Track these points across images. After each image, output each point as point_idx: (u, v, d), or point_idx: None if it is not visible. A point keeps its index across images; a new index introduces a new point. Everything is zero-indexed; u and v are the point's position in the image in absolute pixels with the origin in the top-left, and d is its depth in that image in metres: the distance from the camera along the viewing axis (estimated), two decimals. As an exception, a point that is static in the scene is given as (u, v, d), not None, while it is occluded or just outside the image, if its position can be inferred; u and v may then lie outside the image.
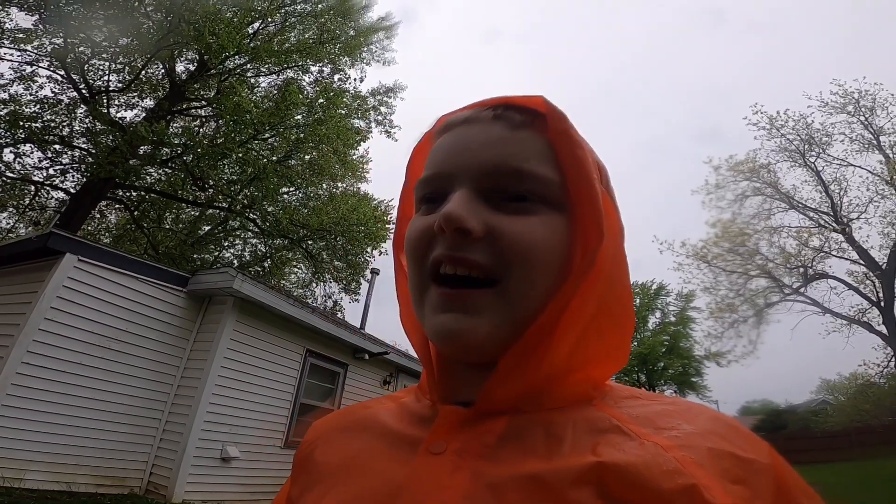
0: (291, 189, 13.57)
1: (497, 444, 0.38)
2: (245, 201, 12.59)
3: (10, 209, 11.94)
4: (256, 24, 12.95)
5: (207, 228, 14.75)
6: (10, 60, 10.41)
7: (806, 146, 14.46)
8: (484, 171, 0.41)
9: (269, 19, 12.95)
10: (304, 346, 7.47)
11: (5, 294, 5.65)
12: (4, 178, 10.49)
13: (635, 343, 26.51)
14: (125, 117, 12.47)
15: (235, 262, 14.66)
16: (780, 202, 15.13)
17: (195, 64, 12.91)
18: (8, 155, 10.34)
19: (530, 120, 0.43)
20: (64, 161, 11.03)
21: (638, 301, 27.48)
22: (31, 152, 10.69)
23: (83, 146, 11.17)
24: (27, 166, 10.68)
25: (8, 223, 11.83)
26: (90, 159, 10.67)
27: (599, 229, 0.40)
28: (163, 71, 12.75)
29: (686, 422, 0.37)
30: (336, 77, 14.45)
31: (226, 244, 15.13)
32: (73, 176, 11.30)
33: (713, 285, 16.09)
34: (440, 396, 0.45)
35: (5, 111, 9.98)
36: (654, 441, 0.35)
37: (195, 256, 13.73)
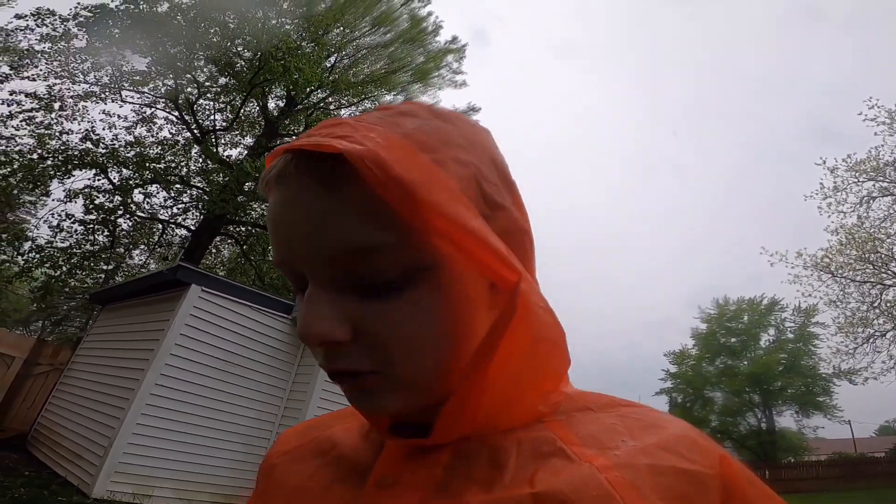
0: None
1: (443, 476, 0.36)
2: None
3: (142, 246, 13.60)
4: (332, 59, 13.79)
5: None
6: (132, 103, 11.81)
7: (938, 135, 12.61)
8: (322, 261, 0.34)
9: (343, 52, 13.76)
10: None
11: (143, 322, 6.43)
12: (136, 218, 11.89)
13: (745, 363, 24.59)
14: (231, 155, 13.83)
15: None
16: (915, 200, 13.23)
17: (284, 100, 13.90)
18: (138, 196, 11.76)
19: (342, 172, 0.33)
20: (185, 200, 12.34)
21: (746, 318, 25.45)
22: (157, 192, 12.03)
23: (199, 185, 12.34)
24: (154, 206, 12.08)
25: (140, 259, 13.41)
26: (205, 197, 11.88)
27: (511, 269, 0.35)
28: (258, 109, 13.85)
29: (632, 437, 0.35)
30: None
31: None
32: (192, 214, 12.63)
33: (840, 298, 14.27)
34: (388, 425, 0.43)
35: (133, 153, 11.24)
36: (592, 463, 0.33)
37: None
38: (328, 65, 13.48)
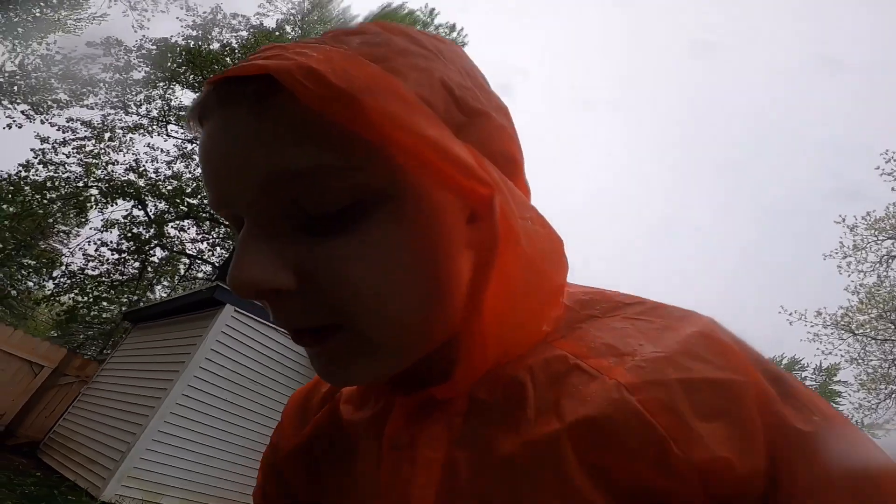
0: None
1: (463, 426, 0.33)
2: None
3: (165, 282, 13.96)
4: None
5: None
6: (176, 137, 12.29)
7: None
8: (255, 196, 0.29)
9: None
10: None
11: (175, 338, 6.65)
12: (167, 251, 12.31)
13: None
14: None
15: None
16: (937, 258, 13.27)
17: None
18: (171, 230, 12.22)
19: (270, 92, 0.28)
20: (213, 236, 12.80)
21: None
22: (189, 227, 12.50)
23: (226, 223, 12.86)
24: (185, 240, 12.54)
25: (164, 293, 13.74)
26: (231, 234, 12.31)
27: (481, 182, 0.30)
28: None
29: (650, 342, 0.31)
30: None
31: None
32: (218, 251, 13.06)
33: (861, 356, 14.28)
34: (392, 383, 0.38)
35: (171, 187, 11.67)
36: (617, 379, 0.29)
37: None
38: None
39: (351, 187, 0.28)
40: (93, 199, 10.81)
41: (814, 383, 23.42)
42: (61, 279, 10.98)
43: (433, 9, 15.80)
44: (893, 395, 14.14)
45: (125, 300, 12.09)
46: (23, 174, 10.19)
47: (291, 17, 13.70)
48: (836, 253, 14.13)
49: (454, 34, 16.13)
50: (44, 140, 10.44)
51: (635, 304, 0.36)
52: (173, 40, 11.27)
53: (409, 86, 0.29)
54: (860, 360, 14.37)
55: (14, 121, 10.16)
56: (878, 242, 13.59)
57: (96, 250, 11.08)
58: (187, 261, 13.20)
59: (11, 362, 6.94)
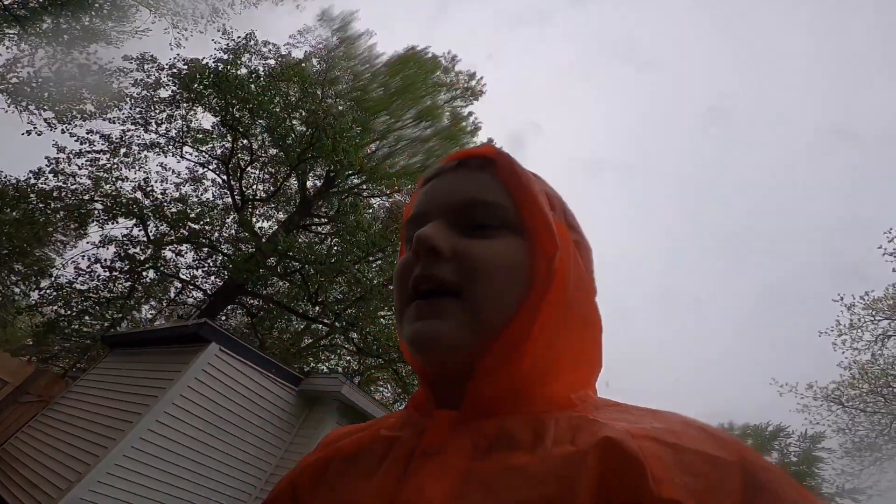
0: (388, 313, 14.18)
1: (489, 445, 0.41)
2: (348, 320, 13.36)
3: (152, 301, 13.60)
4: (374, 145, 14.41)
5: (309, 341, 15.63)
6: (189, 160, 12.36)
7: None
8: (449, 207, 0.49)
9: (384, 140, 14.38)
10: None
11: (152, 369, 6.37)
12: (161, 272, 12.03)
13: None
14: (263, 227, 14.18)
15: (329, 373, 15.15)
16: (931, 340, 13.54)
17: (322, 180, 14.36)
18: (167, 252, 12.00)
19: (484, 164, 0.52)
20: (209, 263, 12.58)
21: (750, 443, 25.66)
22: (186, 252, 12.29)
23: (226, 252, 12.55)
24: (180, 265, 12.30)
25: (149, 314, 13.40)
26: (230, 265, 12.10)
27: (554, 242, 0.46)
28: (297, 185, 14.27)
29: (659, 422, 0.39)
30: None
31: (322, 358, 15.82)
32: (213, 280, 12.81)
33: (849, 426, 14.61)
34: (434, 406, 0.49)
35: (175, 209, 11.55)
36: (626, 429, 0.37)
37: (295, 366, 14.41)
38: (369, 150, 14.19)
39: (502, 217, 0.49)
40: (95, 212, 10.70)
41: (798, 449, 24.25)
42: (48, 290, 10.69)
43: (455, 55, 16.39)
44: (877, 462, 14.51)
45: (109, 316, 11.74)
46: (32, 181, 10.13)
47: (319, 51, 14.08)
48: (832, 330, 14.50)
49: (473, 82, 16.60)
50: (60, 150, 10.45)
51: (655, 409, 0.43)
52: (204, 61, 11.40)
53: (541, 193, 0.52)
54: (847, 430, 14.76)
55: (35, 127, 10.20)
56: (875, 322, 13.92)
57: (89, 267, 10.84)
58: (179, 284, 12.93)
59: (-29, 376, 6.60)
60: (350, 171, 12.85)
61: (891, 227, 12.76)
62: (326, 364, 15.58)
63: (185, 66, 11.35)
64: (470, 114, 16.21)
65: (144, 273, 11.81)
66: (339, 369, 15.30)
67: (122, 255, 10.92)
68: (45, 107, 10.58)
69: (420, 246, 0.45)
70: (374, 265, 13.71)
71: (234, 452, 6.05)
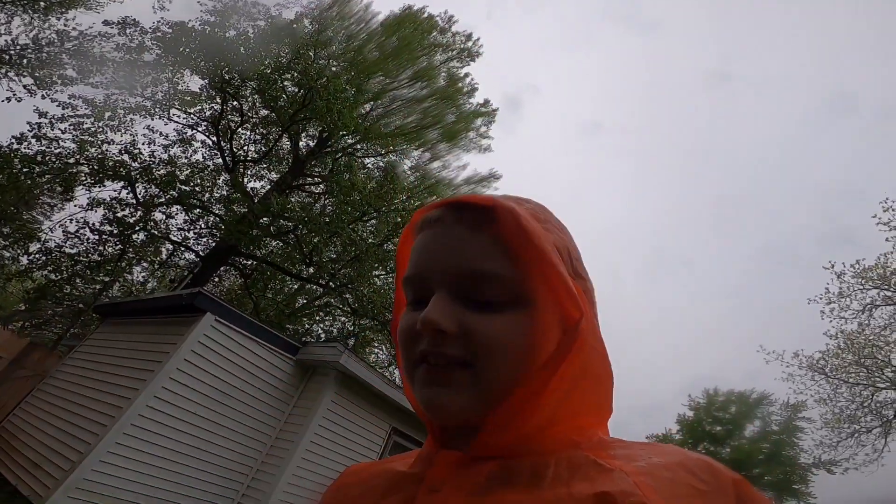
0: (383, 273, 14.15)
1: (486, 483, 0.43)
2: (343, 280, 13.33)
3: (145, 263, 13.48)
4: (368, 106, 14.14)
5: (304, 302, 15.66)
6: (177, 122, 12.09)
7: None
8: (453, 276, 0.47)
9: (379, 101, 14.11)
10: (391, 424, 7.57)
11: (147, 341, 6.33)
12: (151, 234, 11.86)
13: (727, 450, 25.94)
14: (254, 187, 13.99)
15: (323, 336, 15.28)
16: (919, 311, 13.74)
17: (315, 140, 14.13)
18: (158, 215, 11.81)
19: (485, 220, 0.48)
20: (200, 225, 12.40)
21: (734, 409, 26.94)
22: (177, 214, 12.08)
23: (217, 213, 12.38)
24: (171, 227, 12.12)
25: (141, 276, 13.28)
26: (221, 226, 11.93)
27: (577, 309, 0.47)
28: (289, 145, 14.03)
29: (658, 456, 0.42)
30: (434, 164, 15.49)
31: (317, 318, 15.91)
32: (205, 241, 12.66)
33: (831, 397, 14.97)
34: (441, 445, 0.52)
35: (164, 171, 11.34)
36: (622, 468, 0.40)
37: (288, 327, 14.50)
38: (363, 111, 13.89)
39: (511, 291, 0.46)
40: (82, 175, 10.39)
41: (779, 418, 24.95)
42: (37, 255, 10.51)
43: (451, 15, 15.75)
44: (855, 435, 14.88)
45: (100, 279, 11.62)
46: (14, 146, 9.76)
47: (310, 12, 13.45)
48: (821, 298, 14.53)
49: (469, 43, 16.05)
50: (42, 115, 10.03)
51: (659, 445, 0.46)
52: (190, 24, 10.88)
53: (552, 241, 0.50)
54: (828, 401, 15.06)
55: (14, 94, 9.80)
56: (864, 291, 13.96)
57: (78, 230, 10.63)
58: (171, 247, 12.77)
59: (-39, 351, 6.53)
60: (344, 133, 12.49)
61: (886, 196, 12.62)
62: (321, 326, 15.70)
63: (170, 30, 10.86)
64: (467, 75, 15.79)
65: (134, 236, 11.63)
66: (334, 331, 15.44)
67: (112, 218, 10.71)
68: (25, 73, 10.26)
69: (426, 329, 0.45)
70: (368, 225, 13.60)
71: (232, 425, 6.12)
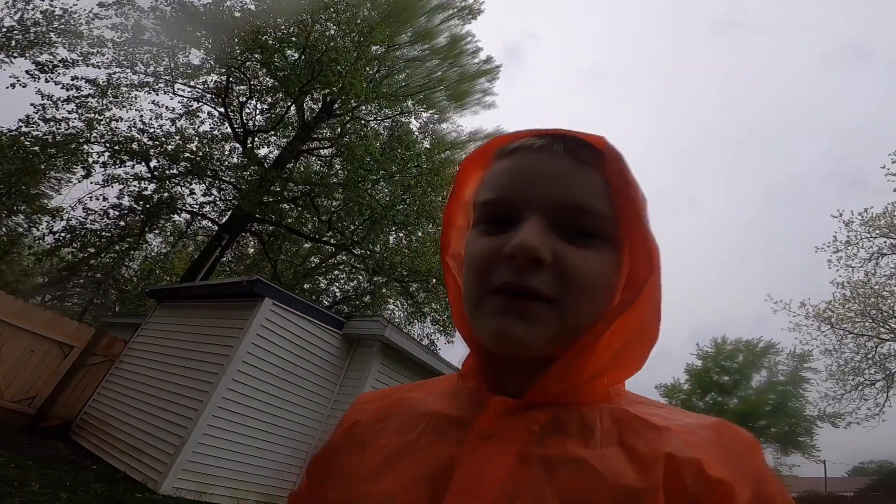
0: (395, 231, 14.24)
1: (541, 432, 0.43)
2: (356, 238, 13.70)
3: (168, 235, 13.65)
4: (370, 69, 13.88)
5: (318, 261, 16.02)
6: (182, 96, 12.03)
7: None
8: (554, 204, 0.45)
9: (383, 63, 13.95)
10: (431, 390, 8.24)
11: (216, 325, 6.78)
12: (169, 206, 12.00)
13: (735, 400, 25.92)
14: (263, 154, 14.01)
15: (338, 293, 15.82)
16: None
17: (319, 104, 14.05)
18: (176, 188, 11.93)
19: (593, 157, 0.47)
20: (215, 194, 12.55)
21: (741, 358, 26.68)
22: (195, 185, 12.21)
23: (229, 180, 12.48)
24: (190, 203, 12.28)
25: (163, 249, 13.53)
26: (237, 195, 12.10)
27: (649, 263, 0.45)
28: (295, 111, 13.94)
29: (686, 417, 0.45)
30: (442, 125, 15.50)
31: (332, 277, 16.36)
32: (219, 207, 12.84)
33: (836, 347, 14.88)
34: (487, 386, 0.50)
35: (173, 144, 11.40)
36: (668, 427, 0.43)
37: (305, 287, 14.99)
38: (368, 73, 13.75)
39: (603, 228, 0.45)
40: (96, 155, 10.41)
41: (785, 367, 24.68)
42: (61, 234, 10.71)
43: None
44: (859, 388, 14.76)
45: (122, 252, 11.88)
46: (23, 129, 9.70)
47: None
48: (829, 246, 14.27)
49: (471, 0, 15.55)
50: (46, 97, 9.90)
51: (672, 407, 0.50)
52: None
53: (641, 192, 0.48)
54: (834, 352, 14.90)
55: (18, 80, 9.59)
56: (871, 239, 13.67)
57: (100, 208, 10.81)
58: (188, 216, 12.95)
59: (41, 343, 6.94)
60: (355, 103, 12.40)
61: None
62: (336, 285, 16.17)
63: (169, 7, 10.55)
64: (468, 33, 15.40)
65: (153, 209, 11.80)
66: (349, 288, 15.95)
67: (131, 193, 10.85)
68: (15, 54, 10.02)
69: (522, 255, 0.42)
70: (379, 185, 13.68)
71: (295, 399, 6.73)
